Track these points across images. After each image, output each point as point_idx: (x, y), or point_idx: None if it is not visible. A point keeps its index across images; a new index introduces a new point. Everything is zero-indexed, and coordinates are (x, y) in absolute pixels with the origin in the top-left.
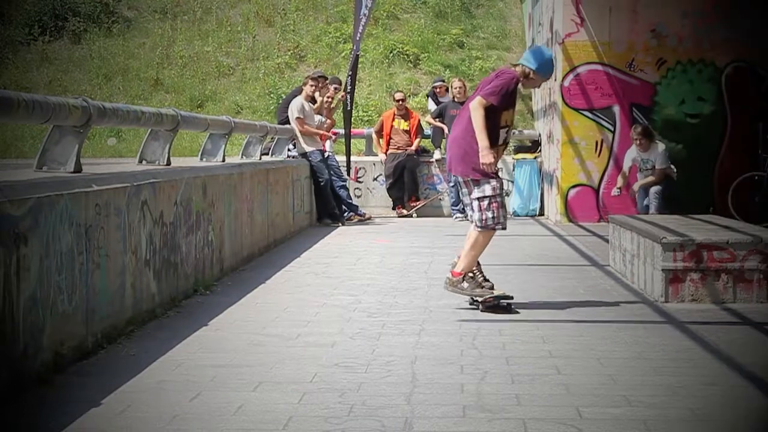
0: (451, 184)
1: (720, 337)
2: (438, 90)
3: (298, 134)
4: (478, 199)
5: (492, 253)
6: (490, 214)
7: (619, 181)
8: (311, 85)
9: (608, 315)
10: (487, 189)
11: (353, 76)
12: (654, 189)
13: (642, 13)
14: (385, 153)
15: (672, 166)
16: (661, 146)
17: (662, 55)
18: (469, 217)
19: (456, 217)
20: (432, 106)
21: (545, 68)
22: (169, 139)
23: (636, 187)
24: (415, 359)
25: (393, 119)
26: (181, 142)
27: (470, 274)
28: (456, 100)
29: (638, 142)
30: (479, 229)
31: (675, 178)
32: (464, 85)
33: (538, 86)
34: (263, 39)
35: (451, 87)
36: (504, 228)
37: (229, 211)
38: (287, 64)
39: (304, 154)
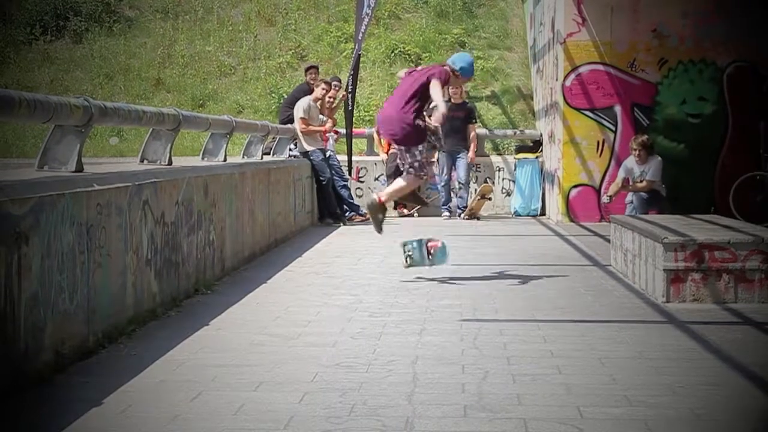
0: (442, 184)
1: (721, 337)
2: None
3: (300, 133)
4: (418, 161)
5: (494, 252)
6: (422, 171)
7: (612, 189)
8: (323, 89)
9: (609, 315)
10: (417, 153)
11: (355, 76)
12: (642, 194)
13: (643, 13)
14: (387, 153)
15: (662, 185)
16: (658, 159)
17: (663, 55)
18: (412, 171)
19: (444, 216)
20: None
21: (467, 71)
22: (170, 139)
23: (612, 191)
24: (416, 359)
25: None
26: (183, 141)
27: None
28: (453, 101)
29: (637, 153)
30: (411, 174)
31: (664, 195)
32: (461, 85)
33: (459, 87)
34: (265, 38)
35: (448, 88)
36: (428, 176)
37: (231, 210)
38: (289, 64)
39: (305, 154)
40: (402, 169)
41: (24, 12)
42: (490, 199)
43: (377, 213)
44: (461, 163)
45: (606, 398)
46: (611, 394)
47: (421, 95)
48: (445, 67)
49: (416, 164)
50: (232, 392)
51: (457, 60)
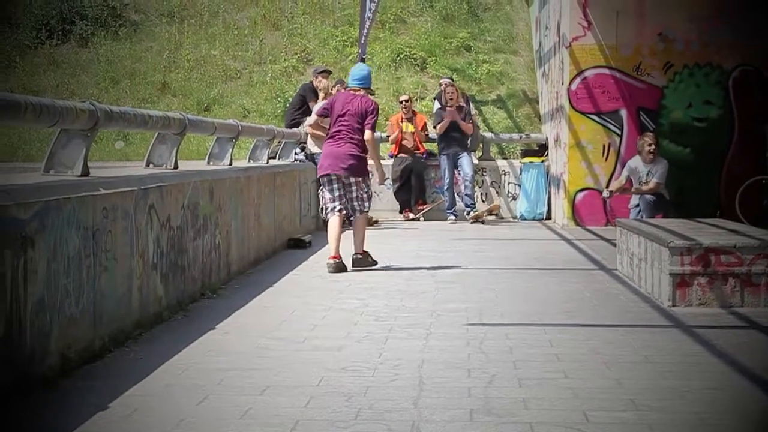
0: (446, 188)
1: (727, 341)
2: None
3: (309, 136)
4: (368, 193)
5: (500, 256)
6: (369, 204)
7: (614, 185)
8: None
9: (615, 319)
10: (369, 183)
11: None
12: (648, 197)
13: (649, 17)
14: (396, 154)
15: (666, 188)
16: (664, 162)
17: (669, 59)
18: (358, 208)
19: (450, 220)
20: (438, 107)
21: (360, 83)
22: (176, 143)
23: (613, 187)
24: (422, 363)
25: (401, 122)
26: (189, 145)
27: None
28: (449, 105)
29: (651, 148)
30: (366, 213)
31: (668, 198)
32: (456, 90)
33: (456, 92)
34: (270, 42)
35: (444, 92)
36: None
37: (236, 214)
38: (294, 68)
39: (311, 156)
40: (357, 207)
41: (30, 16)
42: (496, 215)
43: (367, 259)
44: (465, 161)
45: (612, 402)
46: (617, 398)
47: (361, 131)
48: (366, 99)
49: (369, 194)
50: (238, 396)
51: (351, 75)
